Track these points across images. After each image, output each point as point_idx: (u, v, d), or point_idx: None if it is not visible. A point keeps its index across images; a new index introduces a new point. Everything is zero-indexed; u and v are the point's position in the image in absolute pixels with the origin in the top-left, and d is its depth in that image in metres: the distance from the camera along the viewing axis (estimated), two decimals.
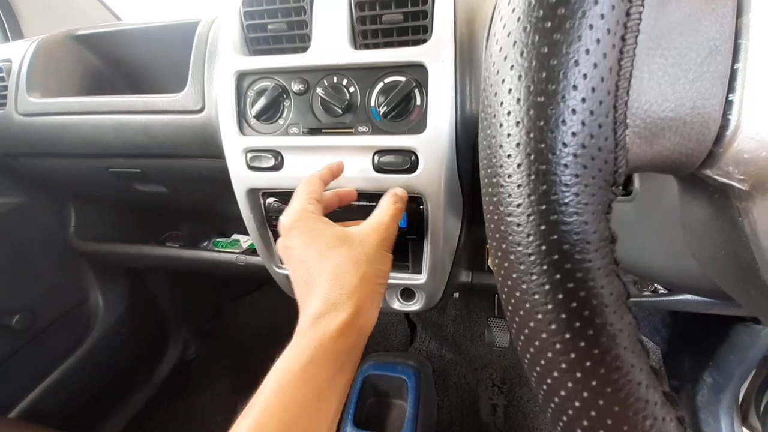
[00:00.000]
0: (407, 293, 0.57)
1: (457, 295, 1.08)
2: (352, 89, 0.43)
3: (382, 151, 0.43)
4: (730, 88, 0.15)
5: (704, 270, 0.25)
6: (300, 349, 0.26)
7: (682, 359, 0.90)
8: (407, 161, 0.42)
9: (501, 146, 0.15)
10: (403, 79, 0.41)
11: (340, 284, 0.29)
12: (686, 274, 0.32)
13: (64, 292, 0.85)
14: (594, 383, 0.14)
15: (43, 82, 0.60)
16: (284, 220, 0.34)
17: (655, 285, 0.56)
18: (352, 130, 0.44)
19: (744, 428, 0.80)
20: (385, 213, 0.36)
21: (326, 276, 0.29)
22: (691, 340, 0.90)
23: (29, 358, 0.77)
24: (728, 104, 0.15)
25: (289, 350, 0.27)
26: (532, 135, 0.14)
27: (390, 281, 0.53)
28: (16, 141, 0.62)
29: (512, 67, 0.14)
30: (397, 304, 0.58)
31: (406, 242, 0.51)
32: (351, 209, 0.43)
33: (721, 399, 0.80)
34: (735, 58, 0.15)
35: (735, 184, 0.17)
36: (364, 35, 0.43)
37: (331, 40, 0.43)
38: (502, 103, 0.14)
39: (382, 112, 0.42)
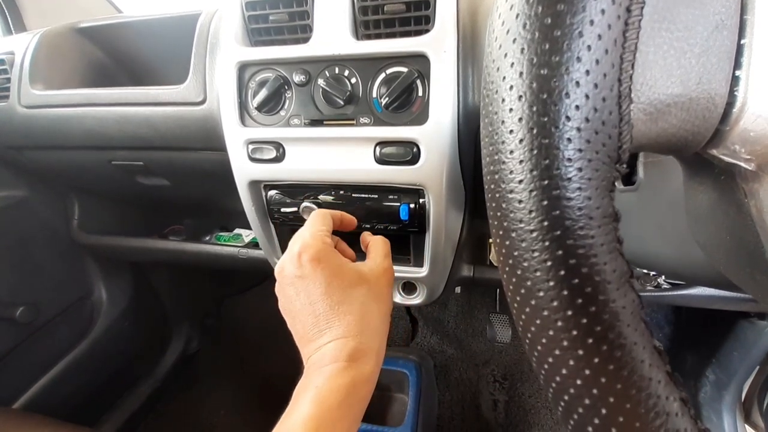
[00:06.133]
0: (409, 287, 0.57)
1: (458, 290, 1.08)
2: (353, 80, 0.43)
3: (383, 143, 0.42)
4: (737, 64, 0.15)
5: (709, 257, 0.25)
6: (335, 386, 0.28)
7: (684, 356, 0.89)
8: (409, 153, 0.42)
9: (503, 122, 0.14)
10: (405, 69, 0.41)
11: (366, 324, 0.31)
12: (691, 264, 0.31)
13: (67, 285, 0.85)
14: (596, 361, 0.14)
15: (46, 74, 0.60)
16: (309, 253, 0.32)
17: (659, 281, 0.56)
18: (354, 122, 0.43)
19: (747, 425, 0.80)
20: (384, 252, 0.37)
21: (353, 315, 0.31)
22: (694, 336, 0.89)
23: (33, 350, 0.78)
24: (735, 80, 0.15)
25: (320, 384, 0.28)
26: (534, 108, 0.13)
27: None
28: (19, 133, 0.62)
29: (515, 39, 0.14)
30: (399, 298, 0.57)
31: (408, 235, 0.51)
32: (353, 209, 0.43)
33: (724, 396, 0.79)
34: (741, 33, 0.15)
35: (741, 164, 0.16)
36: (365, 26, 0.43)
37: (333, 31, 0.42)
38: (504, 77, 0.14)
39: (383, 103, 0.41)
